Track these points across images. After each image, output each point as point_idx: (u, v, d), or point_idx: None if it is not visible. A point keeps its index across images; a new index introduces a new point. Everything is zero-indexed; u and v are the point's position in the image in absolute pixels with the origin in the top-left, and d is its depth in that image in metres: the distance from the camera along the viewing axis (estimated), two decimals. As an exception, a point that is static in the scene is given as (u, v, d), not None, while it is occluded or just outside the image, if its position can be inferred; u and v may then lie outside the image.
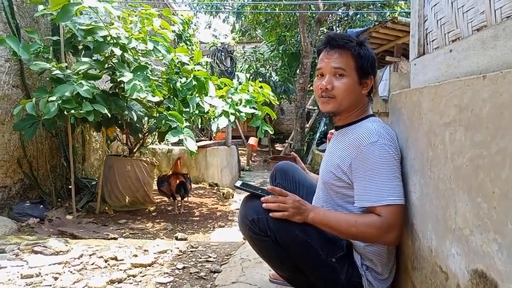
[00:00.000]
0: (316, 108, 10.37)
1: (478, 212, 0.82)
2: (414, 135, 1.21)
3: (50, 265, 2.10)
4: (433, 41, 1.29)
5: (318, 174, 1.59)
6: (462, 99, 0.90)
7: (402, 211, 1.22)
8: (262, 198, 1.33)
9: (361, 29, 7.48)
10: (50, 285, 1.85)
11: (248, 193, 1.43)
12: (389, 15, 9.00)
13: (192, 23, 8.97)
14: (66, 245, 2.39)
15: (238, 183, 1.44)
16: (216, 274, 1.97)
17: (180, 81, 3.62)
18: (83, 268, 2.09)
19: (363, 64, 1.34)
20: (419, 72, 1.37)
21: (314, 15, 9.31)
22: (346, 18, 10.48)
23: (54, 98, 2.82)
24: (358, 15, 10.21)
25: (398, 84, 5.34)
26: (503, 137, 0.74)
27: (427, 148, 1.10)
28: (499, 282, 0.75)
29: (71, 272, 2.04)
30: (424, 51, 1.37)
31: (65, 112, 2.91)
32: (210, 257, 2.24)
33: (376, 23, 6.58)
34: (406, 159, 1.28)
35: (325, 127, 9.68)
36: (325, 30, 10.33)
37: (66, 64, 3.31)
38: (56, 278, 1.94)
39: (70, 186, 3.75)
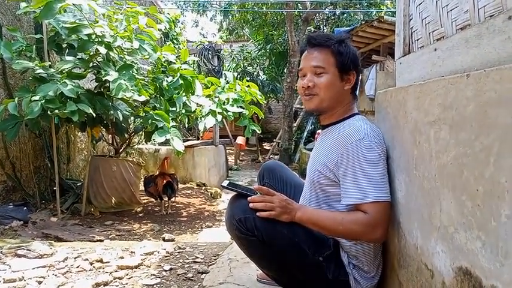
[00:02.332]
0: (303, 107, 10.39)
1: (462, 209, 0.83)
2: (400, 133, 1.22)
3: (33, 269, 2.05)
4: (418, 39, 1.30)
5: (305, 173, 1.59)
6: (446, 98, 0.90)
7: (388, 208, 1.23)
8: (249, 198, 1.32)
9: (348, 28, 7.52)
10: (34, 289, 1.82)
11: (235, 193, 1.42)
12: (375, 15, 9.08)
13: (178, 21, 8.90)
14: (51, 248, 2.35)
15: (225, 183, 1.43)
16: (204, 275, 1.95)
17: (167, 80, 3.59)
18: (67, 271, 2.05)
19: (343, 60, 1.36)
20: (404, 71, 1.38)
21: (301, 14, 9.34)
22: (333, 17, 10.54)
23: (37, 98, 2.76)
24: (345, 15, 10.28)
25: (385, 83, 5.39)
26: (487, 135, 0.74)
27: (412, 147, 1.10)
28: (483, 279, 0.75)
29: (56, 275, 2.00)
30: (409, 50, 1.38)
31: (49, 112, 2.86)
32: (198, 257, 2.22)
33: (363, 22, 6.63)
34: (392, 158, 1.29)
35: (313, 126, 9.72)
36: (312, 29, 10.37)
37: (50, 63, 3.24)
38: (40, 282, 1.90)
39: (54, 188, 3.69)
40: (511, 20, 0.78)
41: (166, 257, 2.26)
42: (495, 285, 0.71)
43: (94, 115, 3.08)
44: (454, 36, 1.02)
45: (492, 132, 0.73)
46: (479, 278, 0.76)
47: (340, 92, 1.38)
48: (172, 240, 3.06)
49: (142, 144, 5.87)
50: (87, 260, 2.18)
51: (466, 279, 0.81)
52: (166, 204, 4.29)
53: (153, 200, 4.46)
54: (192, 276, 1.95)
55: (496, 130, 0.72)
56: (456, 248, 0.85)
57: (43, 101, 2.76)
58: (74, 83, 2.95)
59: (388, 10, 9.47)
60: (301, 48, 1.46)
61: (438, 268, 0.94)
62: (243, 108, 3.94)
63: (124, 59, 3.42)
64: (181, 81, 3.59)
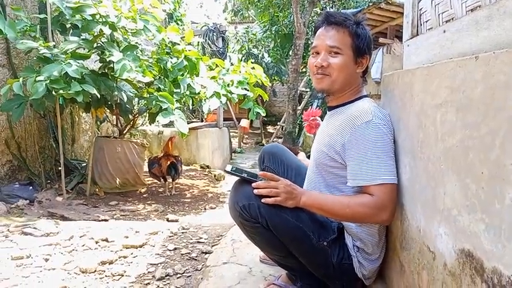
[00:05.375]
0: (308, 90, 10.32)
1: (466, 192, 0.83)
2: (406, 116, 1.21)
3: (40, 246, 2.09)
4: (426, 21, 1.28)
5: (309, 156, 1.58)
6: (454, 80, 0.89)
7: (395, 190, 1.23)
8: (253, 184, 1.30)
9: (355, 9, 7.40)
10: (41, 267, 1.85)
11: (238, 178, 1.39)
12: (383, -3, 8.89)
13: (183, 1, 8.79)
14: (57, 227, 2.39)
15: (229, 168, 1.39)
16: (207, 255, 1.98)
17: (171, 62, 3.57)
18: (73, 249, 2.09)
19: (359, 43, 1.33)
20: (412, 54, 1.36)
21: (307, -5, 9.16)
22: (339, -1, 10.34)
23: (42, 78, 2.76)
24: (352, -4, 10.07)
25: (391, 66, 5.33)
26: (494, 118, 0.74)
27: (418, 129, 1.09)
28: (485, 261, 0.76)
29: (62, 253, 2.03)
30: (417, 32, 1.36)
31: (53, 92, 2.86)
32: (201, 238, 2.25)
33: (370, 4, 6.51)
34: (397, 141, 1.28)
35: (318, 109, 9.65)
36: (319, 11, 10.19)
37: (54, 43, 3.23)
38: (46, 260, 1.94)
39: (59, 168, 3.73)
40: (523, 0, 0.76)
41: (170, 237, 2.29)
42: (496, 267, 0.72)
43: (98, 96, 3.08)
44: (463, 17, 1.00)
45: (499, 115, 0.72)
46: (481, 260, 0.77)
47: (352, 75, 1.36)
48: (176, 220, 3.09)
49: (146, 125, 5.89)
50: (92, 238, 2.22)
51: (468, 261, 0.81)
52: (170, 186, 4.32)
53: (157, 181, 4.50)
54: (196, 256, 1.98)
55: (504, 113, 0.71)
56: (459, 230, 0.86)
57: (48, 81, 2.76)
58: (79, 63, 2.94)
59: (396, -8, 9.26)
60: (317, 24, 1.40)
61: (440, 250, 0.94)
62: (248, 90, 3.92)
63: (128, 40, 3.40)
64: (185, 63, 3.57)
